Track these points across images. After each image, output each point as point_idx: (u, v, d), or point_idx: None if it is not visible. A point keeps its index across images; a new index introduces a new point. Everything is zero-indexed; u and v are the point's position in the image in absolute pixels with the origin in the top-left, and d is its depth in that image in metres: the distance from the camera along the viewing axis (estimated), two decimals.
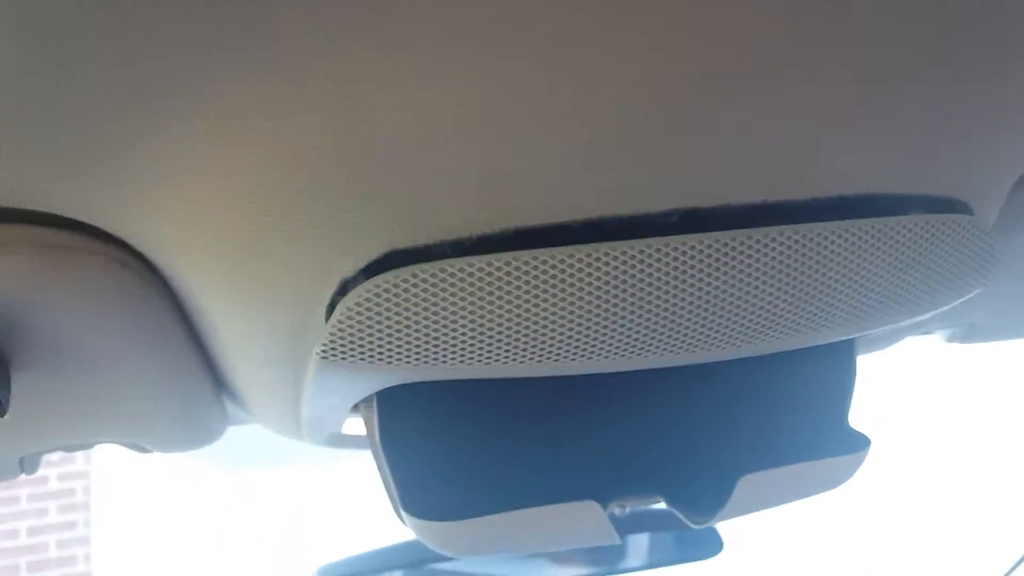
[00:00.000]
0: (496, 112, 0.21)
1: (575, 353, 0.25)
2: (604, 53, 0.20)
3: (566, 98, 0.21)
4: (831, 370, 0.41)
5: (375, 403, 0.34)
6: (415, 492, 0.35)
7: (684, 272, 0.24)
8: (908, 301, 0.28)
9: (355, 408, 0.35)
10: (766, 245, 0.24)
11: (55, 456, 3.23)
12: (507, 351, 0.24)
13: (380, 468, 0.35)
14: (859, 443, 0.40)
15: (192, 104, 0.20)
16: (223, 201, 0.23)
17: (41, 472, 3.24)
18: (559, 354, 0.25)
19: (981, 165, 0.28)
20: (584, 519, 0.35)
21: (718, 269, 0.24)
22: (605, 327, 0.24)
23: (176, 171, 0.23)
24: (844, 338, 0.29)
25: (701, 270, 0.24)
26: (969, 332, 0.57)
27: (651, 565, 0.85)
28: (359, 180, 0.22)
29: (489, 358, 0.25)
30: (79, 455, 3.29)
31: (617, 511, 0.41)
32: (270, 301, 0.26)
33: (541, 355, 0.25)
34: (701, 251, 0.24)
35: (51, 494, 3.26)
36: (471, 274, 0.23)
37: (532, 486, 0.36)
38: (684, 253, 0.24)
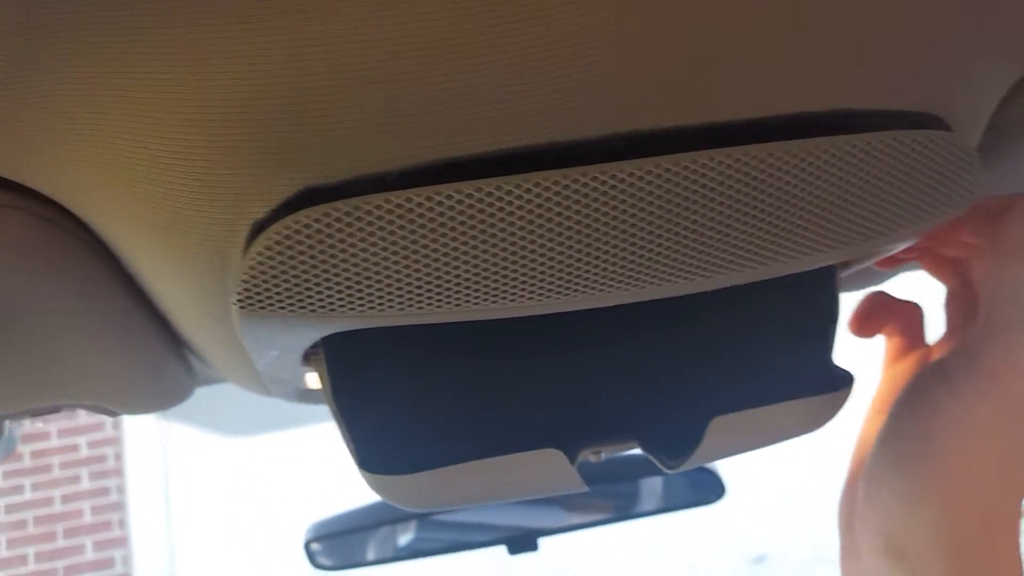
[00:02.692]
0: (408, 35, 0.19)
1: (514, 294, 0.23)
2: None
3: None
4: (809, 304, 0.38)
5: (323, 354, 0.32)
6: (371, 446, 0.33)
7: (628, 202, 0.22)
8: (882, 224, 0.26)
9: (307, 360, 0.34)
10: (717, 169, 0.22)
11: (83, 420, 3.30)
12: (436, 294, 0.23)
13: (336, 421, 0.34)
14: (840, 381, 0.38)
15: (90, 47, 0.19)
16: (127, 146, 0.22)
17: (71, 440, 3.31)
18: (496, 296, 0.23)
19: (958, 78, 0.26)
20: (547, 467, 0.33)
21: (666, 197, 0.22)
22: (544, 264, 0.23)
23: (77, 119, 0.21)
24: (816, 266, 0.27)
25: (646, 199, 0.22)
26: None
27: (654, 511, 0.84)
28: (268, 115, 0.20)
29: (419, 303, 0.23)
30: (108, 421, 3.35)
31: (592, 458, 0.39)
32: (190, 252, 0.25)
33: (475, 297, 0.23)
34: (645, 178, 0.22)
35: (83, 461, 3.34)
36: (390, 211, 0.21)
37: (494, 435, 0.34)
38: (625, 181, 0.22)
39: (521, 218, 0.22)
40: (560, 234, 0.22)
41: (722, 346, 0.38)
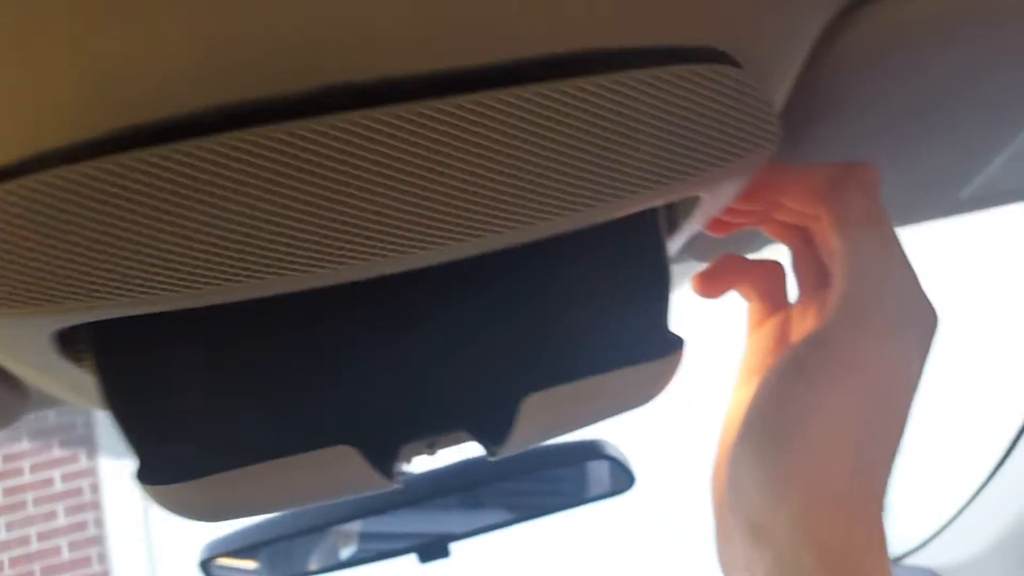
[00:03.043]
0: None
1: (239, 274, 0.21)
2: None
3: None
4: (629, 265, 0.34)
5: (91, 350, 0.29)
6: (146, 452, 0.29)
7: (342, 158, 0.20)
8: (667, 167, 0.24)
9: (76, 358, 0.29)
10: (441, 119, 0.20)
11: (57, 453, 3.25)
12: (185, 270, 0.20)
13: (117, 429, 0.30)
14: (667, 346, 0.34)
15: None
16: None
17: (45, 474, 3.26)
18: (221, 277, 0.21)
19: (743, 11, 0.23)
20: (342, 467, 0.30)
21: (414, 148, 0.21)
22: (259, 236, 0.21)
23: None
24: (609, 216, 0.25)
25: (362, 155, 0.20)
26: None
27: (564, 506, 0.79)
28: None
29: (169, 286, 0.21)
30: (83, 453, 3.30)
31: (427, 451, 0.35)
32: None
33: (195, 281, 0.21)
34: (357, 132, 0.20)
35: (58, 495, 3.28)
36: (63, 188, 0.19)
37: (285, 434, 0.30)
38: (335, 136, 0.20)
39: (226, 184, 0.20)
40: (274, 197, 0.20)
41: (533, 316, 0.34)
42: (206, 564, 0.81)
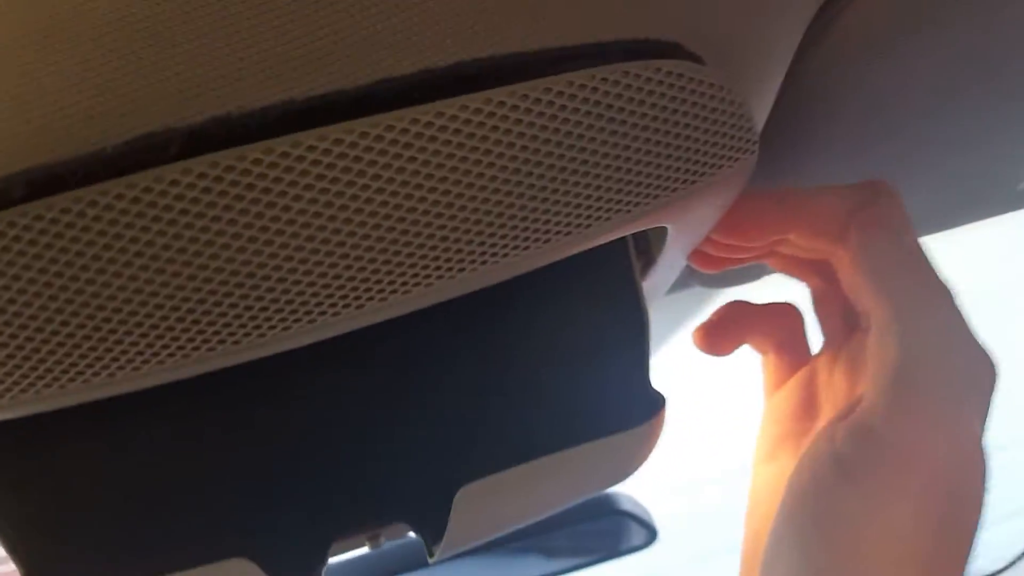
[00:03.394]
0: None
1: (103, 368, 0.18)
2: None
3: None
4: (591, 312, 0.28)
5: None
6: (33, 567, 0.25)
7: (202, 213, 0.16)
8: (620, 187, 0.20)
9: None
10: (332, 152, 0.17)
11: None
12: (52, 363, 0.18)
13: None
14: (646, 408, 0.28)
15: None
16: None
17: None
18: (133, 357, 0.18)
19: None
20: None
21: (314, 182, 0.17)
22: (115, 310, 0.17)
23: None
24: (547, 260, 0.21)
25: (221, 204, 0.16)
26: None
27: (583, 564, 0.77)
28: None
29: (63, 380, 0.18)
30: None
31: (369, 544, 0.31)
32: None
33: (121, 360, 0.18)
34: (219, 178, 0.16)
35: None
36: None
37: (183, 543, 0.26)
38: (195, 187, 0.16)
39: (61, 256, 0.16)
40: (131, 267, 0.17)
41: (472, 383, 0.28)
42: None
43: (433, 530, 0.27)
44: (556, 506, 0.29)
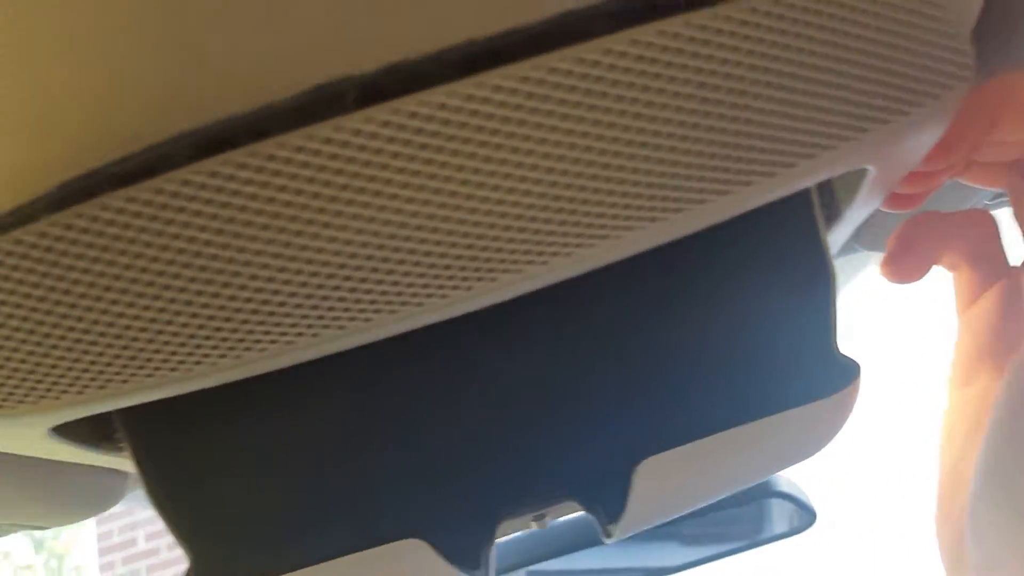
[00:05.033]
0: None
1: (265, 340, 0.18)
2: None
3: None
4: (774, 272, 0.26)
5: (125, 438, 0.25)
6: (203, 552, 0.25)
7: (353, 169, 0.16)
8: (796, 133, 0.18)
9: (108, 446, 0.26)
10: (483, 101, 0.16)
11: None
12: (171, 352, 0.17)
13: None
14: (838, 376, 0.26)
15: None
16: None
17: None
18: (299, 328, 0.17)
19: None
20: (413, 560, 0.25)
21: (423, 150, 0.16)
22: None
23: None
24: (730, 213, 0.19)
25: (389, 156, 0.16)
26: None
27: (736, 549, 0.75)
28: None
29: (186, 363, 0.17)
30: None
31: (535, 524, 0.30)
32: None
33: (275, 332, 0.17)
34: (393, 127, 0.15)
35: None
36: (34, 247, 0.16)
37: (353, 525, 0.26)
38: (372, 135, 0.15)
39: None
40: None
41: (652, 352, 0.26)
42: None
43: (607, 508, 0.26)
44: (743, 483, 0.28)
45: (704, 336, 0.26)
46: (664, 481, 0.25)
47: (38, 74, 0.14)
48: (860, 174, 0.23)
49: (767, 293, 0.26)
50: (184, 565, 0.26)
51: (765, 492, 0.71)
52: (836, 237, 0.29)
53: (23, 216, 0.16)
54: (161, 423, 0.25)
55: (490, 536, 0.26)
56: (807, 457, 0.28)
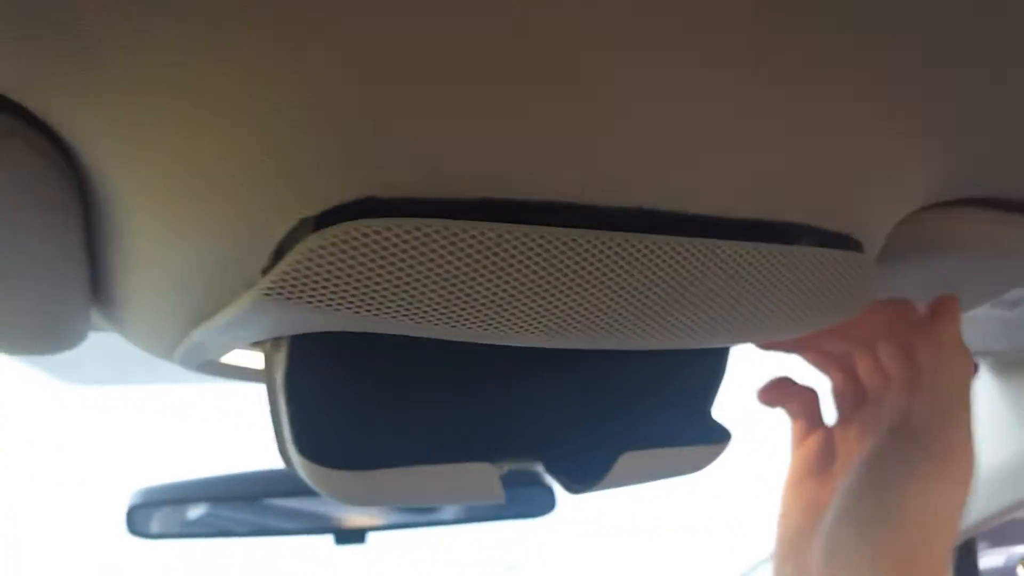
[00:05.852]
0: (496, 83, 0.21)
1: (509, 325, 0.26)
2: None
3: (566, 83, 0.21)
4: (705, 367, 0.44)
5: (286, 341, 0.33)
6: (312, 436, 0.34)
7: (626, 267, 0.25)
8: (784, 324, 0.31)
9: (257, 342, 0.33)
10: (705, 254, 0.26)
11: None
12: (449, 314, 0.25)
13: (274, 406, 0.34)
14: (723, 435, 0.43)
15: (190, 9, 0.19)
16: (195, 112, 0.22)
17: None
18: (495, 324, 0.25)
19: (879, 205, 0.30)
20: (477, 479, 0.36)
21: (653, 269, 0.25)
22: (542, 304, 0.25)
23: (152, 71, 0.21)
24: (719, 345, 0.32)
25: (639, 267, 0.25)
26: None
27: (483, 518, 0.87)
28: (350, 124, 0.21)
29: (431, 318, 0.25)
30: None
31: (496, 470, 0.42)
32: (214, 225, 0.25)
33: (485, 324, 0.25)
34: (645, 250, 0.25)
35: None
36: (440, 236, 0.22)
37: (429, 443, 0.36)
38: (631, 250, 0.25)
39: (544, 262, 0.24)
40: (568, 282, 0.25)
41: (632, 392, 0.42)
42: (134, 511, 0.84)
43: (579, 476, 0.39)
44: (657, 479, 0.42)
45: (662, 395, 0.42)
46: (627, 467, 0.38)
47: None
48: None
49: (692, 376, 0.43)
50: None
51: (527, 479, 0.84)
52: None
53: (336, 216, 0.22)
54: (321, 337, 0.31)
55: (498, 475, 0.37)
56: (690, 472, 0.43)
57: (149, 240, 0.29)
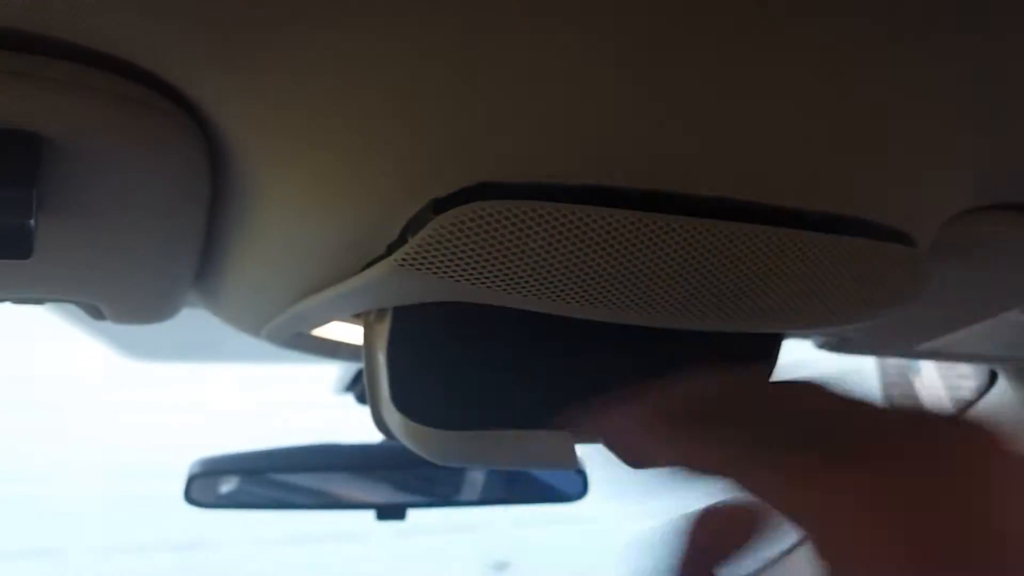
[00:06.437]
0: (632, 82, 0.23)
1: (606, 302, 0.28)
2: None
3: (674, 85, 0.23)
4: (760, 353, 0.44)
5: (389, 311, 0.36)
6: (411, 397, 0.37)
7: (715, 251, 0.27)
8: (841, 314, 0.32)
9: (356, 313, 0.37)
10: (784, 243, 0.27)
11: None
12: (559, 291, 0.27)
13: (372, 371, 0.38)
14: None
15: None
16: (338, 94, 0.24)
17: None
18: (598, 301, 0.28)
19: (933, 203, 0.31)
20: (556, 446, 0.38)
21: (736, 253, 0.27)
22: (637, 283, 0.27)
23: (302, 55, 0.24)
24: (779, 331, 0.35)
25: (726, 252, 0.27)
26: (841, 343, 0.60)
27: (518, 500, 0.91)
28: (489, 110, 0.23)
29: (541, 294, 0.27)
30: None
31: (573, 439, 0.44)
32: (351, 202, 0.28)
33: (585, 299, 0.27)
34: (731, 236, 0.27)
35: None
36: (556, 218, 0.25)
37: (515, 410, 0.38)
38: (718, 236, 0.26)
39: (642, 245, 0.26)
40: (664, 264, 0.27)
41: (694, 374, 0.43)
42: (193, 480, 0.89)
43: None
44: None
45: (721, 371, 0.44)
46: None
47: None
48: None
49: (742, 361, 0.43)
50: None
51: None
52: None
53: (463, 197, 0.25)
54: (422, 308, 0.34)
55: None
56: None
57: (278, 215, 0.31)
